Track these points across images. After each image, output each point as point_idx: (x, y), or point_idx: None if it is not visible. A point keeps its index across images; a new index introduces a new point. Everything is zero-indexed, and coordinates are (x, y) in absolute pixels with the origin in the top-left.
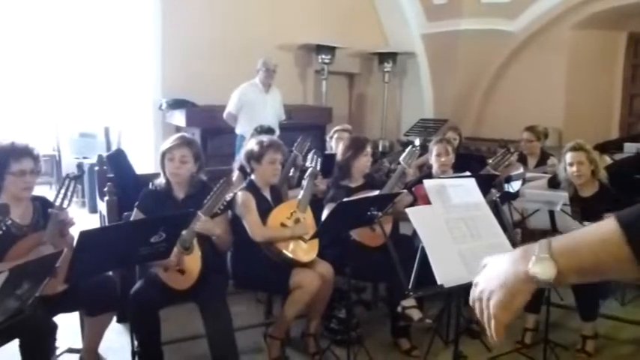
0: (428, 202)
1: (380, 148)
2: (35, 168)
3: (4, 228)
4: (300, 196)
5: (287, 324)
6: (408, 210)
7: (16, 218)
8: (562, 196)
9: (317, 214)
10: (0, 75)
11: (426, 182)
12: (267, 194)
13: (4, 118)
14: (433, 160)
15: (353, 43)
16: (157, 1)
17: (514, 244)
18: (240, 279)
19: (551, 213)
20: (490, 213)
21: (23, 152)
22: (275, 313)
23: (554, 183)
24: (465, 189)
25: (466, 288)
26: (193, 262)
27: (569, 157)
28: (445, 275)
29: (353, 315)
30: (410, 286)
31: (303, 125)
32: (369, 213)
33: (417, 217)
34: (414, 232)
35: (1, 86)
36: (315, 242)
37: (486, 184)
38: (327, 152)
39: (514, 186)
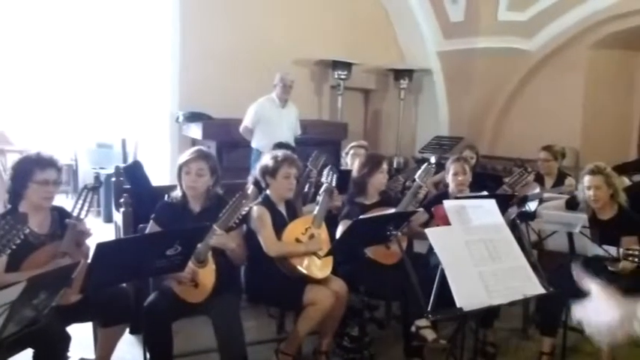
0: (447, 222)
1: (395, 165)
2: (57, 179)
3: (22, 237)
4: (315, 212)
5: (299, 340)
6: (427, 231)
7: (34, 227)
8: (581, 218)
9: (332, 230)
10: (20, 86)
11: (446, 203)
12: (282, 209)
13: (23, 127)
14: (450, 178)
15: (369, 60)
16: (175, 14)
17: (532, 265)
18: (253, 293)
19: (570, 235)
20: (510, 235)
21: (48, 163)
22: (287, 328)
23: (572, 204)
24: (485, 210)
25: (482, 310)
26: (207, 275)
27: (586, 180)
28: (465, 298)
29: (366, 333)
30: (429, 308)
31: (318, 140)
32: (388, 233)
33: (437, 238)
34: (429, 251)
35: (21, 97)
36: (330, 259)
37: (503, 204)
38: (342, 168)
39: (531, 206)
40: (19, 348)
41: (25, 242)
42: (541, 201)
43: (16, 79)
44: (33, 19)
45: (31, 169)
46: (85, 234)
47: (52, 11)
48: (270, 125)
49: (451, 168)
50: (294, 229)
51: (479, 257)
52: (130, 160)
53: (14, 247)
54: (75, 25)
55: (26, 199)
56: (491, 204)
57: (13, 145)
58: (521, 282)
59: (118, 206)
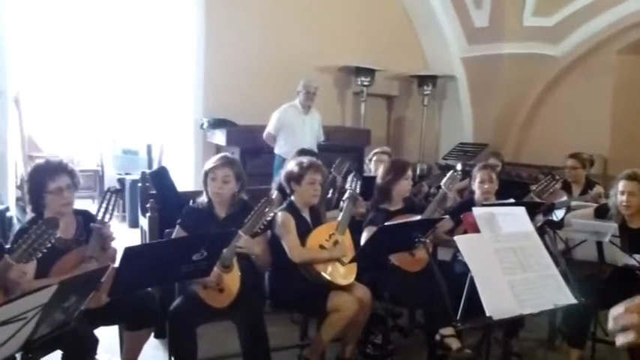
0: (476, 229)
1: (418, 172)
2: (72, 183)
3: (52, 241)
4: (339, 218)
5: (322, 347)
6: (456, 238)
7: (60, 232)
8: (611, 227)
9: (356, 237)
10: (48, 93)
11: (475, 210)
12: (306, 215)
13: (51, 134)
14: (476, 186)
15: (392, 66)
16: (200, 22)
17: (563, 274)
18: (277, 299)
19: (599, 244)
20: (540, 243)
21: (58, 169)
22: (310, 335)
23: (600, 212)
24: (515, 218)
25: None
26: (232, 280)
27: (621, 185)
28: (494, 307)
29: (389, 341)
30: (457, 317)
31: (342, 147)
32: (416, 240)
33: (466, 245)
34: (453, 258)
35: (49, 104)
36: (354, 266)
37: (530, 212)
38: (365, 175)
39: (558, 214)
40: (48, 350)
41: (52, 247)
42: (568, 209)
43: (44, 86)
44: (61, 29)
45: (42, 180)
46: (109, 238)
47: (81, 19)
48: (293, 132)
49: (478, 175)
50: (318, 235)
51: (509, 265)
52: (155, 166)
53: (45, 250)
54: (102, 32)
55: (47, 208)
56: (521, 211)
57: (41, 151)
58: (552, 291)
59: (144, 211)
